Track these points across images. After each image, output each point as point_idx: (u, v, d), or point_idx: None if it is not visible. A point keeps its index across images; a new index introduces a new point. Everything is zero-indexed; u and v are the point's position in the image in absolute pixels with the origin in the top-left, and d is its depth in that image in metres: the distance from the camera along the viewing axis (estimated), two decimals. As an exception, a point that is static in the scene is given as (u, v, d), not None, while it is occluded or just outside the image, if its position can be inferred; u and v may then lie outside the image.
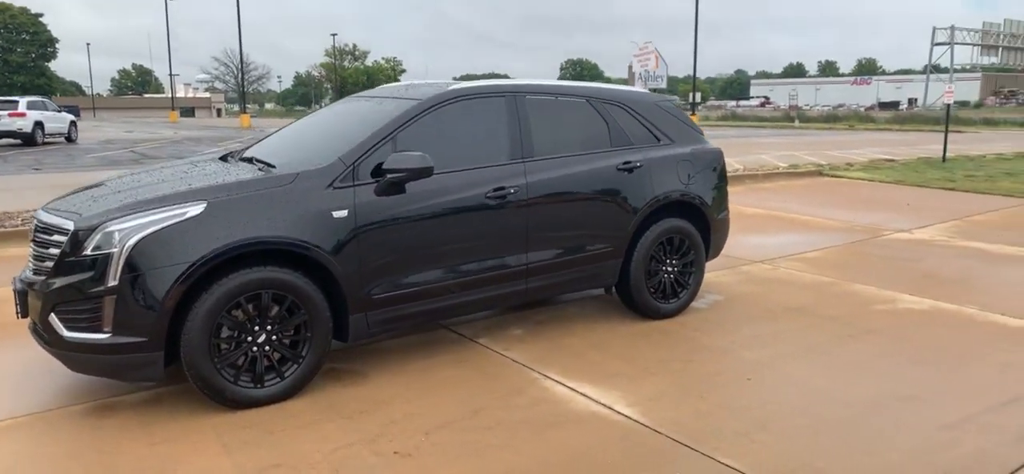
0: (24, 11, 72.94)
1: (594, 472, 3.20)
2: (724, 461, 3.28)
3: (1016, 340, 4.89)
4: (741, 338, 4.92)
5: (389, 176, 4.06)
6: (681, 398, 3.96)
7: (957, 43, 58.15)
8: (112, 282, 3.49)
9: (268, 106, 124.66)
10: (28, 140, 24.04)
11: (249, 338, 3.77)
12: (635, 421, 3.68)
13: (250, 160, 4.51)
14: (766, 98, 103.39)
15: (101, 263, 3.51)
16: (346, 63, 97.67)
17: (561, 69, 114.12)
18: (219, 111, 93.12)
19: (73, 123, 27.89)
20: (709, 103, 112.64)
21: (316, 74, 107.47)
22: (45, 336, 3.68)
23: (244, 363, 3.77)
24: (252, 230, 3.72)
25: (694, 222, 5.40)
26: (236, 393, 3.74)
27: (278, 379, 3.86)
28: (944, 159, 17.50)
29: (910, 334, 5.01)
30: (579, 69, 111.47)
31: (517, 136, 4.67)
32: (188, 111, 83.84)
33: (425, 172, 4.07)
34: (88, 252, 3.55)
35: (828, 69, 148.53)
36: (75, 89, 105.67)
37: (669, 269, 5.32)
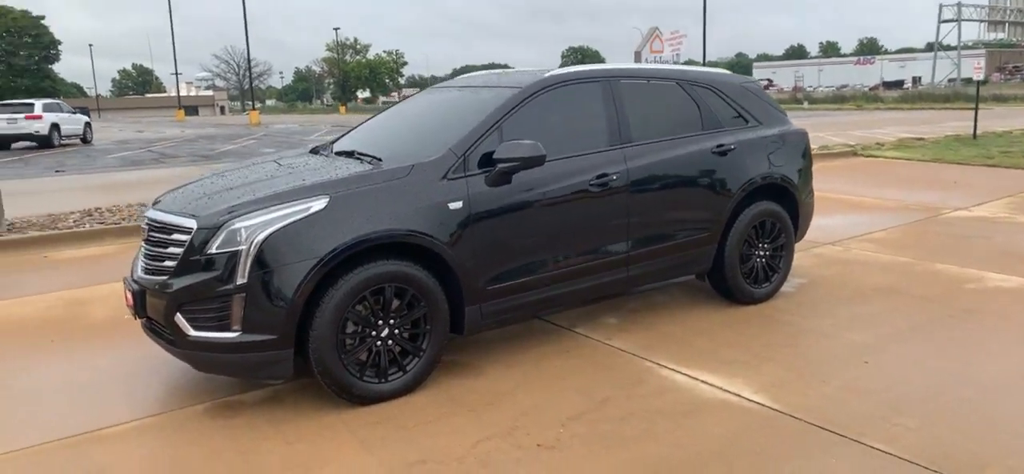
0: (25, 14, 72.65)
1: (747, 460, 3.14)
2: (875, 446, 3.22)
3: (1121, 315, 4.83)
4: (841, 320, 4.86)
5: (500, 166, 3.99)
6: (804, 383, 3.90)
7: (964, 19, 57.92)
8: (241, 280, 3.44)
9: (269, 103, 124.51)
10: (45, 142, 24.02)
11: (373, 333, 3.71)
12: (769, 407, 3.62)
13: (349, 154, 4.44)
14: (769, 81, 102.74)
15: (229, 261, 3.46)
16: (348, 57, 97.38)
17: (562, 58, 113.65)
18: (222, 109, 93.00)
19: (87, 124, 27.87)
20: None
21: (317, 69, 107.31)
22: (168, 336, 3.63)
23: (368, 358, 3.71)
24: (377, 223, 3.66)
25: (784, 205, 5.34)
26: (363, 389, 3.69)
27: (400, 373, 3.81)
28: (974, 136, 17.38)
29: (1011, 313, 4.95)
30: (581, 57, 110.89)
31: (615, 121, 4.60)
32: (192, 109, 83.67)
33: (537, 161, 4.00)
34: (214, 250, 3.49)
35: (830, 49, 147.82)
36: (77, 91, 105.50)
37: (761, 253, 5.25)
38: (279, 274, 3.46)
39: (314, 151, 4.93)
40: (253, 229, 3.48)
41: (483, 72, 5.48)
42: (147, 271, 3.79)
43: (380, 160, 4.10)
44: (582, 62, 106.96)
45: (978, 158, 13.47)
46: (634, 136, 4.64)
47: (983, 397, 3.68)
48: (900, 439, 3.27)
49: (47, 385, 4.16)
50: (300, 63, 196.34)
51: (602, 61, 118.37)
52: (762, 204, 5.18)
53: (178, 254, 3.59)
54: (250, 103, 56.25)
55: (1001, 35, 65.24)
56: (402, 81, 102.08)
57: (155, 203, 4.12)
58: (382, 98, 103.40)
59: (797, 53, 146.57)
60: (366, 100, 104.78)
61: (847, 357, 4.24)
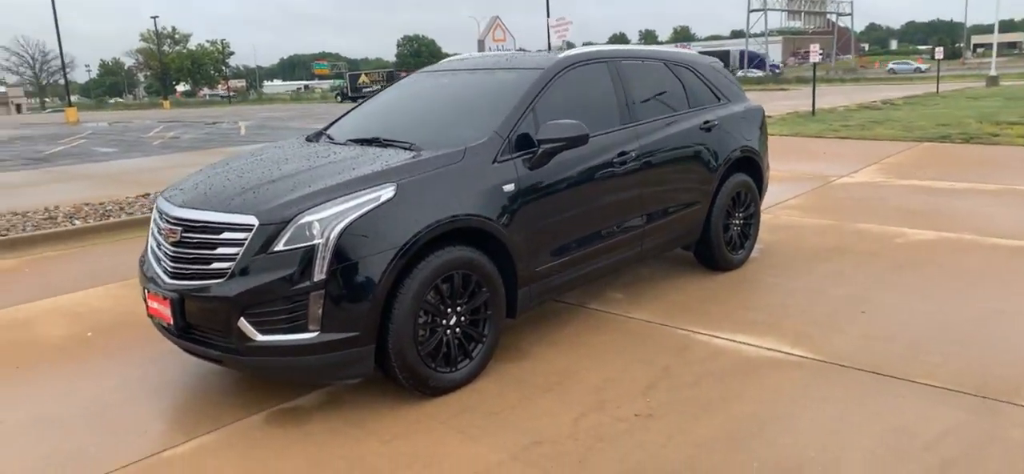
0: None
1: (827, 406, 3.41)
2: (920, 381, 3.61)
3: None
4: (817, 278, 5.33)
5: (545, 146, 4.00)
6: (826, 334, 4.26)
7: (770, 9, 64.06)
8: (319, 276, 3.21)
9: (74, 99, 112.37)
10: None
11: (443, 322, 3.61)
12: (813, 359, 3.93)
13: (370, 141, 4.23)
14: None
15: (303, 257, 3.22)
16: (166, 47, 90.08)
17: (398, 46, 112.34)
18: (19, 107, 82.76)
19: None
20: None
21: (131, 62, 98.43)
22: (225, 344, 3.32)
23: (440, 348, 3.61)
24: (445, 209, 3.55)
25: (752, 176, 5.75)
26: (438, 379, 3.58)
27: (467, 361, 3.73)
28: (813, 113, 19.36)
29: (944, 260, 5.66)
30: (417, 45, 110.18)
31: (624, 101, 4.74)
32: (-20, 108, 73.78)
33: (582, 140, 4.05)
34: (282, 247, 3.24)
35: (648, 37, 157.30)
36: None
37: (737, 222, 5.63)
38: (360, 267, 3.28)
39: (312, 140, 4.66)
40: (328, 222, 3.26)
41: (473, 55, 5.40)
42: (186, 276, 3.43)
43: (414, 146, 3.96)
44: (419, 51, 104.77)
45: (827, 132, 15.05)
46: (639, 115, 4.80)
47: (979, 330, 4.22)
48: (937, 373, 3.68)
49: (61, 412, 3.64)
50: (104, 55, 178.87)
51: (439, 49, 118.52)
52: (738, 176, 5.55)
53: (235, 254, 3.29)
54: (54, 100, 50.58)
55: (797, 23, 72.84)
56: (227, 72, 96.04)
57: (171, 199, 3.72)
58: (203, 92, 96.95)
59: (619, 40, 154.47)
60: (186, 94, 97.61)
61: (845, 309, 4.68)
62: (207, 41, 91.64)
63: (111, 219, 8.01)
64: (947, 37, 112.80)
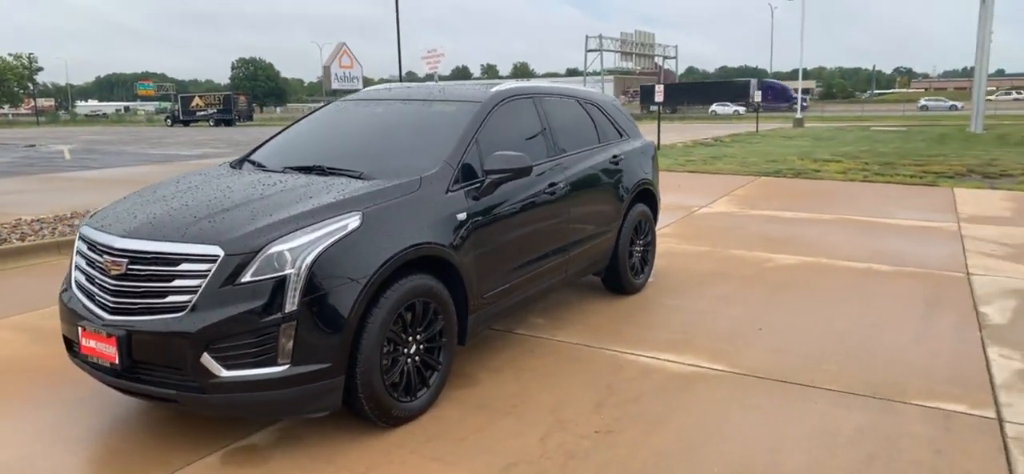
0: None
1: (760, 413, 3.80)
2: (827, 387, 4.10)
3: (873, 276, 6.54)
4: (710, 300, 5.84)
5: (492, 176, 4.15)
6: (736, 350, 4.70)
7: (605, 50, 68.09)
8: (290, 307, 3.14)
9: None
10: None
11: (404, 351, 3.63)
12: (735, 373, 4.33)
13: (311, 169, 4.15)
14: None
15: (274, 288, 3.14)
16: (-42, 60, 79.90)
17: (233, 68, 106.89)
18: None
19: None
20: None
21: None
22: (182, 383, 3.15)
23: (401, 377, 3.62)
24: (406, 237, 3.60)
25: (650, 206, 6.21)
26: (400, 409, 3.59)
27: (425, 389, 3.77)
28: (658, 148, 20.81)
29: (811, 282, 6.40)
30: (253, 68, 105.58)
31: (548, 135, 5.00)
32: None
33: (526, 171, 4.24)
34: (249, 278, 3.14)
35: (490, 72, 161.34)
36: None
37: (638, 249, 6.05)
38: (332, 297, 3.24)
39: (238, 167, 4.50)
40: (298, 251, 3.20)
41: (396, 86, 5.43)
42: (134, 311, 3.22)
43: (365, 174, 3.96)
44: (255, 75, 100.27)
45: (675, 166, 16.29)
46: (562, 147, 5.08)
47: (859, 341, 4.83)
48: (837, 379, 4.20)
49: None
50: None
51: (277, 73, 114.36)
52: (639, 206, 5.99)
53: (196, 286, 3.14)
54: None
55: (629, 64, 78.00)
56: (34, 89, 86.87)
57: (107, 229, 3.46)
58: (1, 110, 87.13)
59: (462, 74, 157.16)
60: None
61: (743, 327, 5.17)
62: (9, 54, 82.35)
63: (-49, 253, 7.10)
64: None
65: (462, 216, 3.96)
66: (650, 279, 6.39)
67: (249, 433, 3.55)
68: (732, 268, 6.88)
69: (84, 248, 3.58)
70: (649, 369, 4.39)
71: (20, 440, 3.53)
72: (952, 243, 7.92)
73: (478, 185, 4.12)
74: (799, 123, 38.72)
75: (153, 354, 3.19)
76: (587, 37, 67.04)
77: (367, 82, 63.93)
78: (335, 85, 54.52)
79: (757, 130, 31.90)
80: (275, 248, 3.19)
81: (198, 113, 60.17)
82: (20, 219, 9.10)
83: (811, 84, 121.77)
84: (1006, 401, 3.90)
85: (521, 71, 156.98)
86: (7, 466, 3.29)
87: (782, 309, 5.59)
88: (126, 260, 3.27)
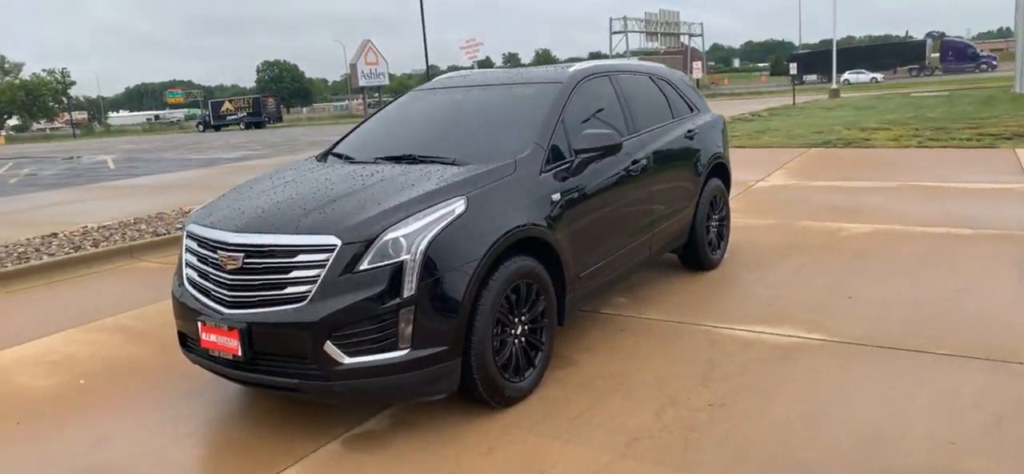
0: None
1: (868, 381, 3.73)
2: (933, 351, 4.02)
3: (953, 240, 6.39)
4: (790, 272, 5.75)
5: (582, 155, 4.13)
6: (833, 321, 4.61)
7: (630, 31, 67.65)
8: (409, 292, 3.16)
9: None
10: None
11: (511, 332, 3.63)
12: (837, 341, 4.25)
13: (400, 158, 4.16)
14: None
15: (392, 274, 3.16)
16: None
17: (259, 71, 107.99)
18: None
19: None
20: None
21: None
22: (304, 372, 3.19)
23: (510, 359, 3.62)
24: (510, 219, 3.59)
25: (724, 181, 6.13)
26: (512, 389, 3.60)
27: (532, 369, 3.77)
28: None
29: (888, 249, 6.27)
30: (279, 71, 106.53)
31: (626, 111, 4.95)
32: None
33: (616, 148, 4.22)
34: (367, 265, 3.16)
35: (513, 60, 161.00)
36: None
37: (714, 224, 5.98)
38: (447, 281, 3.25)
39: (324, 160, 4.54)
40: (413, 237, 3.22)
41: (470, 72, 5.42)
42: (253, 304, 3.26)
43: (459, 160, 3.96)
44: (281, 77, 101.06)
45: (720, 142, 16.09)
46: (640, 124, 5.03)
47: (952, 306, 4.73)
48: (943, 344, 4.11)
49: (114, 462, 3.32)
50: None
51: (302, 73, 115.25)
52: (714, 181, 5.91)
53: (315, 276, 3.17)
54: None
55: (655, 44, 77.20)
56: (68, 103, 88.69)
57: (219, 225, 3.51)
58: (38, 125, 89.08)
59: (484, 64, 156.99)
60: (16, 128, 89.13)
61: (831, 297, 5.09)
62: (44, 70, 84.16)
63: (31, 262, 7.27)
64: (782, 55, 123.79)
65: (556, 196, 3.95)
66: (726, 254, 6.32)
67: (363, 420, 3.58)
68: (805, 239, 6.77)
69: (194, 245, 3.63)
70: (747, 342, 4.34)
71: (143, 435, 3.61)
72: (1026, 204, 7.71)
73: (568, 165, 4.10)
74: (835, 94, 38.03)
75: (275, 345, 3.23)
76: (611, 19, 66.66)
77: (392, 78, 64.25)
78: (362, 82, 55.00)
79: (794, 103, 31.39)
80: (390, 235, 3.21)
81: (228, 117, 60.95)
82: (87, 227, 9.29)
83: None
84: None
85: (544, 58, 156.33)
86: (137, 459, 3.36)
87: (866, 277, 5.49)
88: (242, 254, 3.31)
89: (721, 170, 6.09)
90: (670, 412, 3.51)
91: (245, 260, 3.30)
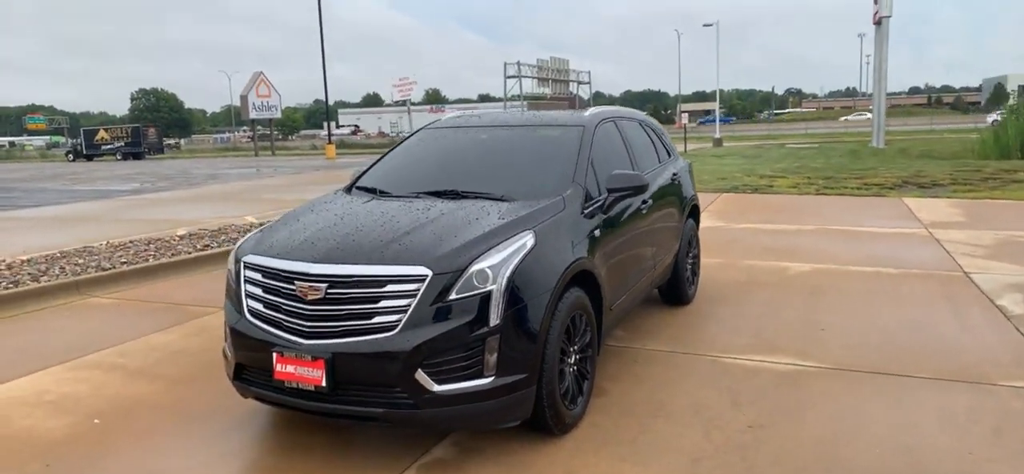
0: None
1: (870, 401, 4.18)
2: (919, 375, 4.53)
3: (885, 278, 7.14)
4: (759, 306, 6.25)
5: (615, 194, 4.41)
6: (817, 349, 5.07)
7: (524, 76, 69.55)
8: (495, 321, 3.30)
9: None
10: None
11: (568, 360, 3.82)
12: (833, 369, 4.70)
13: (442, 194, 4.27)
14: (356, 126, 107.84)
15: (481, 303, 3.28)
16: None
17: (133, 99, 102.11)
18: None
19: None
20: (302, 132, 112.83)
21: None
22: (394, 400, 3.25)
23: (567, 387, 3.79)
24: (568, 253, 3.80)
25: (696, 221, 6.60)
26: (570, 416, 3.78)
27: (582, 397, 3.95)
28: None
29: (837, 286, 6.91)
30: (155, 99, 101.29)
31: (631, 155, 5.30)
32: None
33: (643, 188, 4.52)
34: (456, 295, 3.27)
35: (433, 97, 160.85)
36: None
37: (690, 261, 6.41)
38: (527, 311, 3.42)
39: (355, 194, 4.58)
40: (498, 268, 3.36)
41: (487, 111, 5.59)
42: (338, 333, 3.28)
43: (506, 196, 4.13)
44: (157, 106, 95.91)
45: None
46: (641, 167, 5.39)
47: (912, 334, 5.32)
48: (923, 368, 4.64)
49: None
50: None
51: (181, 103, 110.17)
52: (689, 221, 6.36)
53: (405, 305, 3.25)
54: None
55: (546, 90, 79.81)
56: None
57: (293, 255, 3.51)
58: None
59: (373, 100, 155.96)
60: None
61: (808, 329, 5.58)
62: None
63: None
64: (660, 105, 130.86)
65: (597, 232, 4.19)
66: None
67: (429, 448, 3.64)
68: (758, 277, 7.34)
69: (256, 276, 3.60)
70: (753, 370, 4.72)
71: (200, 473, 3.49)
72: (932, 246, 8.69)
73: (601, 203, 4.36)
74: (718, 143, 40.62)
75: (361, 374, 3.27)
76: (506, 64, 68.20)
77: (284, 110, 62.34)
78: (253, 114, 53.44)
79: (685, 150, 33.30)
80: (477, 266, 3.34)
81: (103, 146, 57.17)
82: (13, 260, 8.61)
83: (712, 105, 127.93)
84: (1074, 377, 4.44)
85: (434, 97, 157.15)
86: (210, 497, 3.27)
87: (828, 311, 6.05)
88: (325, 284, 3.33)
89: (695, 211, 6.55)
90: (717, 435, 3.79)
91: (328, 291, 3.32)
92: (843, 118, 70.53)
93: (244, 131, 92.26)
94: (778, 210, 12.34)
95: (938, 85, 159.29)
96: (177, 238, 10.16)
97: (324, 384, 3.26)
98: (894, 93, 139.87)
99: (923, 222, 10.45)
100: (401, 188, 4.51)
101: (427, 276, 3.27)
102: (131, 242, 9.89)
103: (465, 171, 4.69)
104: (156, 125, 68.27)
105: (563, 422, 3.70)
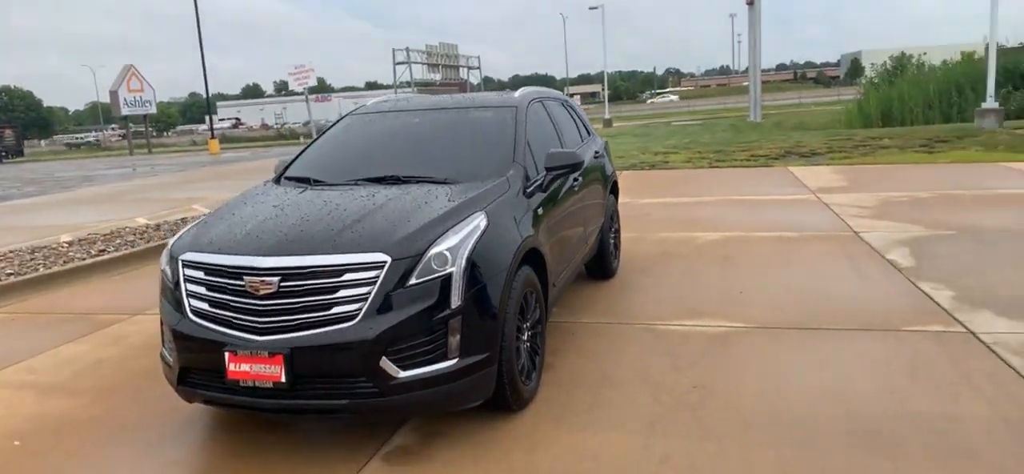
0: None
1: (793, 352, 4.48)
2: (839, 328, 4.89)
3: (788, 241, 7.63)
4: (678, 275, 6.53)
5: (553, 172, 4.48)
6: (740, 310, 5.37)
7: (413, 62, 68.67)
8: (457, 303, 3.31)
9: None
10: None
11: (521, 337, 3.87)
12: (760, 327, 4.99)
13: (387, 180, 4.20)
14: (238, 119, 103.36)
15: (441, 287, 3.28)
16: None
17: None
18: None
19: None
20: (179, 128, 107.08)
21: None
22: (358, 390, 3.20)
23: (522, 363, 3.85)
24: (518, 232, 3.85)
25: (616, 197, 6.80)
26: (527, 391, 3.84)
27: (535, 372, 4.02)
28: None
29: (746, 251, 7.32)
30: (9, 98, 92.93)
31: (559, 133, 5.40)
32: None
33: (579, 165, 4.61)
34: (416, 280, 3.26)
35: (282, 88, 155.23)
36: None
37: (613, 236, 6.61)
38: (486, 291, 3.44)
39: (287, 185, 4.44)
40: (455, 250, 3.37)
41: (413, 96, 5.51)
42: (295, 327, 3.19)
43: (449, 179, 4.12)
44: (12, 105, 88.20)
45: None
46: (568, 146, 5.50)
47: (824, 290, 5.72)
48: (841, 321, 5.01)
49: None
50: None
51: (40, 102, 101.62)
52: (611, 196, 6.55)
53: (364, 294, 3.20)
54: None
55: (436, 76, 79.24)
56: None
57: (241, 250, 3.37)
58: None
59: (254, 91, 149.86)
60: None
61: (727, 293, 5.89)
62: None
63: None
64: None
65: (540, 210, 4.26)
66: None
67: (389, 437, 3.61)
68: (671, 248, 7.66)
69: (200, 274, 3.43)
70: (686, 334, 4.94)
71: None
72: (823, 210, 9.33)
73: (540, 182, 4.43)
74: (608, 123, 41.75)
75: (323, 366, 3.19)
76: (395, 50, 67.21)
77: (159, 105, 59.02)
78: (125, 110, 50.17)
79: (577, 131, 34.05)
80: (435, 249, 3.33)
81: (-46, 149, 52.09)
82: None
83: (598, 87, 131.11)
84: (965, 319, 4.91)
85: (320, 86, 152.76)
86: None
87: (742, 275, 6.41)
88: (277, 278, 3.22)
89: (615, 188, 6.74)
90: (666, 396, 3.96)
91: (281, 284, 3.22)
92: (649, 100, 73.22)
93: (114, 129, 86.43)
94: (678, 183, 12.86)
95: (802, 61, 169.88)
96: (65, 245, 9.45)
97: (283, 380, 3.17)
98: (764, 70, 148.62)
99: (810, 188, 11.19)
100: (336, 176, 4.41)
101: (386, 262, 3.23)
102: (12, 252, 9.12)
103: (403, 156, 4.63)
104: (13, 126, 62.69)
105: (521, 398, 3.76)
